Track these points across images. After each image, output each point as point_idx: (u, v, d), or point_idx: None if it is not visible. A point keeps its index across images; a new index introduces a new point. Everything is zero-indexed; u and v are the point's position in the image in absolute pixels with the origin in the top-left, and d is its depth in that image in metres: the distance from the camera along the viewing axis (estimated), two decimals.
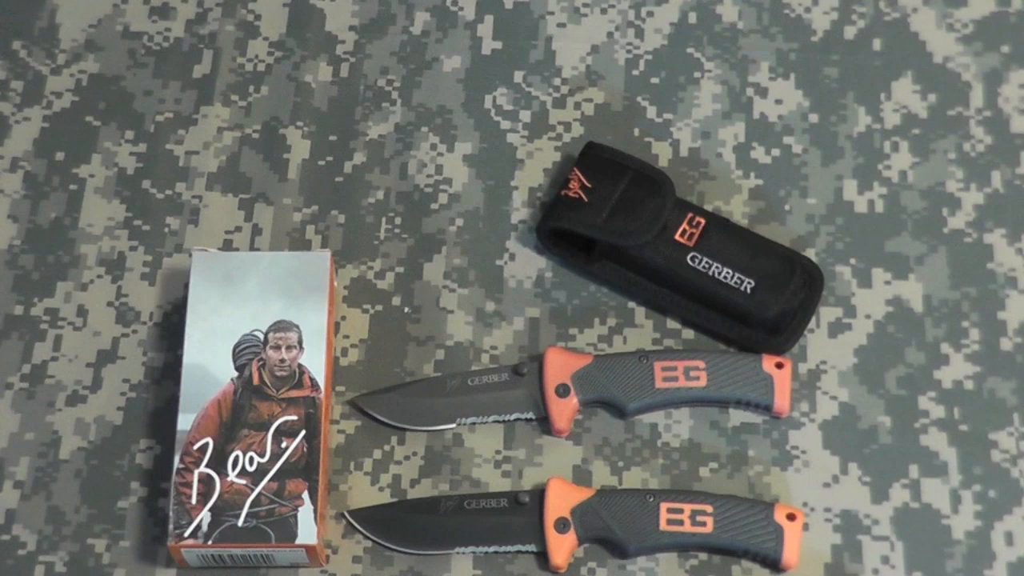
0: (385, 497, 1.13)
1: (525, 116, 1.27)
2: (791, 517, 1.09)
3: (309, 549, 1.08)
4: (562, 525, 1.10)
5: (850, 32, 1.31)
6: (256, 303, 1.14)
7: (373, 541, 1.11)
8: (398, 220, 1.23)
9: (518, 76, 1.29)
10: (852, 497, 1.13)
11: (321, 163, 1.25)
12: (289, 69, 1.29)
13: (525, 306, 1.20)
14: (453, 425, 1.15)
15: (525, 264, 1.21)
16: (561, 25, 1.31)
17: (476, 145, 1.26)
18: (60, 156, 1.25)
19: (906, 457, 1.14)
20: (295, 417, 1.10)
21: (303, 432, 1.10)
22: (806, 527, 1.12)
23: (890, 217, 1.23)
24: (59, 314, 1.19)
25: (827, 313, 1.19)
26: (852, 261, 1.21)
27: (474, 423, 1.15)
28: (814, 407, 1.16)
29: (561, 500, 1.10)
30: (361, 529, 1.12)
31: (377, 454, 1.15)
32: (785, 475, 1.14)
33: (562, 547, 1.09)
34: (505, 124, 1.27)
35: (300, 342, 1.13)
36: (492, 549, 1.10)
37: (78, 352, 1.18)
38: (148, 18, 1.31)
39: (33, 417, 1.15)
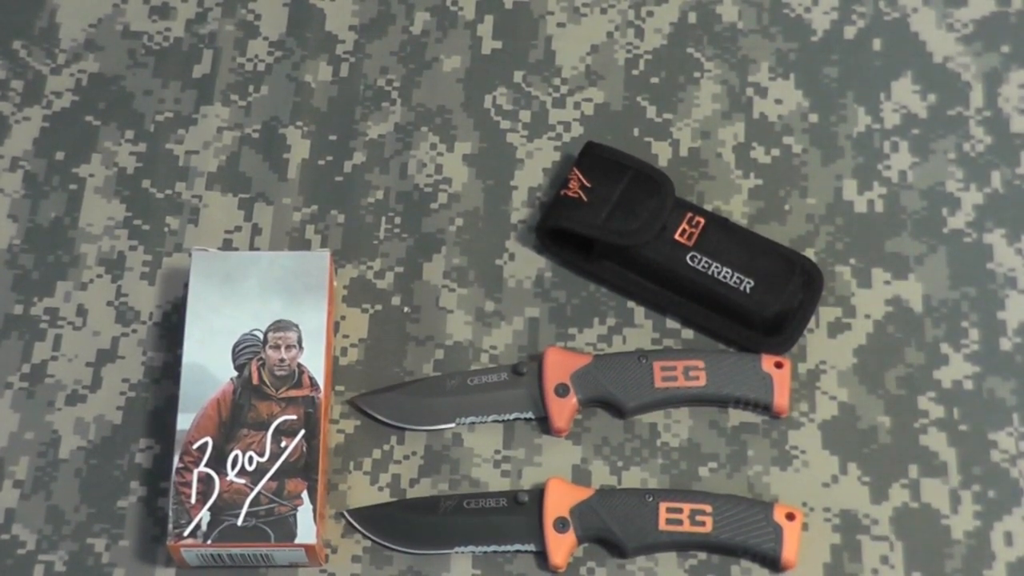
0: (384, 497, 1.13)
1: (525, 116, 1.27)
2: (790, 517, 1.09)
3: (308, 549, 1.08)
4: (561, 525, 1.10)
5: (850, 32, 1.31)
6: (256, 303, 1.14)
7: (372, 541, 1.11)
8: (398, 220, 1.23)
9: (518, 76, 1.29)
10: (851, 497, 1.13)
11: (321, 163, 1.25)
12: (289, 69, 1.29)
13: (524, 306, 1.20)
14: (452, 425, 1.15)
15: (525, 264, 1.21)
16: (561, 25, 1.31)
17: (476, 145, 1.26)
18: (60, 156, 1.26)
19: (905, 457, 1.14)
20: (294, 416, 1.10)
21: (302, 431, 1.10)
22: (805, 527, 1.12)
23: (890, 217, 1.23)
24: (59, 314, 1.19)
25: (826, 313, 1.19)
26: (851, 261, 1.21)
27: (473, 423, 1.15)
28: (813, 407, 1.16)
29: (560, 500, 1.10)
30: (360, 529, 1.12)
31: (376, 454, 1.15)
32: (784, 475, 1.14)
33: (561, 547, 1.09)
34: (505, 124, 1.27)
35: (299, 341, 1.13)
36: (491, 549, 1.10)
37: (78, 352, 1.18)
38: (148, 18, 1.31)
39: (33, 416, 1.16)
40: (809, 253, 1.21)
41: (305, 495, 1.08)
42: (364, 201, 1.24)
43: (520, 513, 1.11)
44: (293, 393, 1.11)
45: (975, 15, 1.31)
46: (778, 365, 1.15)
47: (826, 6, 1.32)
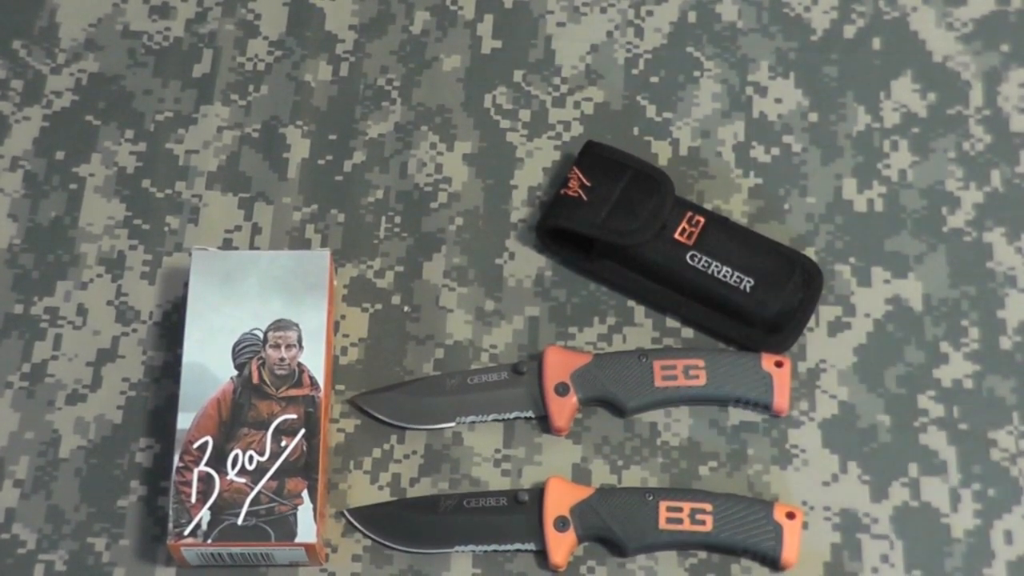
0: (385, 496, 1.13)
1: (525, 115, 1.27)
2: (790, 516, 1.09)
3: (308, 548, 1.08)
4: (561, 524, 1.10)
5: (849, 31, 1.31)
6: (256, 302, 1.14)
7: (373, 540, 1.11)
8: (398, 219, 1.23)
9: (518, 75, 1.29)
10: (851, 496, 1.13)
11: (321, 162, 1.25)
12: (289, 68, 1.29)
13: (525, 305, 1.20)
14: (453, 424, 1.15)
15: (525, 263, 1.21)
16: (561, 24, 1.31)
17: (476, 144, 1.26)
18: (60, 155, 1.26)
19: (905, 456, 1.14)
20: (294, 416, 1.10)
21: (302, 431, 1.10)
22: (805, 526, 1.12)
23: (889, 216, 1.23)
24: (59, 313, 1.19)
25: (826, 312, 1.19)
26: (851, 260, 1.21)
27: (474, 422, 1.15)
28: (813, 406, 1.16)
29: (560, 499, 1.10)
30: (361, 528, 1.12)
31: (377, 453, 1.15)
32: (784, 474, 1.14)
33: (561, 546, 1.09)
34: (505, 123, 1.27)
35: (300, 341, 1.13)
36: (491, 548, 1.10)
37: (78, 351, 1.18)
38: (148, 17, 1.31)
39: (33, 416, 1.16)
40: (809, 252, 1.21)
41: (305, 494, 1.08)
42: (364, 200, 1.24)
43: (520, 512, 1.11)
44: (293, 392, 1.11)
45: (974, 14, 1.31)
46: (778, 364, 1.15)
47: (826, 5, 1.32)
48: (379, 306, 1.20)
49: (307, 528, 1.07)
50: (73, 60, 1.29)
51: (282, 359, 1.12)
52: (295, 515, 1.08)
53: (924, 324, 1.19)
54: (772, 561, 1.09)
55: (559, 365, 1.15)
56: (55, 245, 1.22)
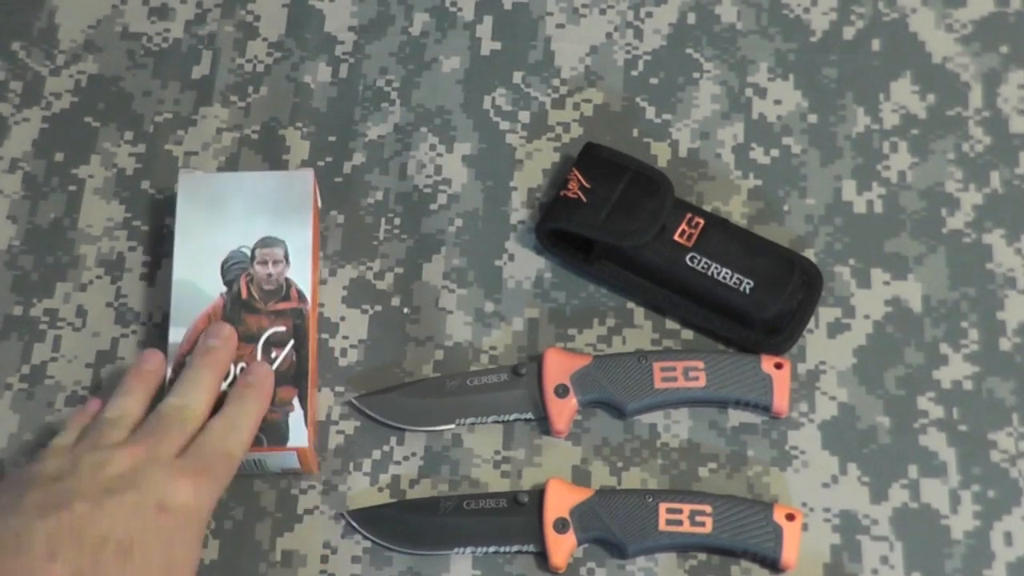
0: (384, 497, 1.13)
1: (524, 117, 1.27)
2: (790, 517, 1.09)
3: (300, 452, 1.09)
4: (561, 525, 1.10)
5: (849, 32, 1.31)
6: (242, 222, 1.16)
7: (372, 541, 1.11)
8: (397, 221, 1.23)
9: (517, 77, 1.29)
10: (851, 497, 1.13)
11: (320, 164, 1.25)
12: (288, 70, 1.29)
13: (524, 307, 1.20)
14: (452, 425, 1.15)
15: (524, 264, 1.21)
16: (560, 26, 1.31)
17: (475, 146, 1.26)
18: (59, 157, 1.26)
19: (905, 457, 1.14)
20: (283, 328, 1.12)
21: (291, 342, 1.12)
22: (805, 527, 1.12)
23: (889, 217, 1.23)
24: (58, 315, 1.19)
25: (826, 313, 1.19)
26: (851, 261, 1.21)
27: (473, 423, 1.15)
28: (813, 407, 1.16)
29: (560, 500, 1.10)
30: (360, 529, 1.12)
31: (376, 454, 1.15)
32: (784, 475, 1.14)
33: (561, 547, 1.09)
34: (504, 125, 1.27)
35: (286, 256, 1.14)
36: (491, 549, 1.10)
37: (77, 353, 1.18)
38: (147, 19, 1.31)
39: (32, 417, 1.15)
40: (808, 254, 1.21)
41: (296, 401, 1.10)
42: (364, 202, 1.24)
43: (520, 514, 1.11)
44: (282, 306, 1.13)
45: (974, 15, 1.31)
46: (778, 366, 1.15)
47: (825, 7, 1.32)
48: (379, 307, 1.20)
49: (298, 433, 1.09)
50: (72, 61, 1.29)
51: (269, 274, 1.14)
52: (286, 421, 1.09)
53: (924, 325, 1.19)
54: (772, 563, 1.09)
55: (559, 367, 1.15)
56: (54, 247, 1.22)
